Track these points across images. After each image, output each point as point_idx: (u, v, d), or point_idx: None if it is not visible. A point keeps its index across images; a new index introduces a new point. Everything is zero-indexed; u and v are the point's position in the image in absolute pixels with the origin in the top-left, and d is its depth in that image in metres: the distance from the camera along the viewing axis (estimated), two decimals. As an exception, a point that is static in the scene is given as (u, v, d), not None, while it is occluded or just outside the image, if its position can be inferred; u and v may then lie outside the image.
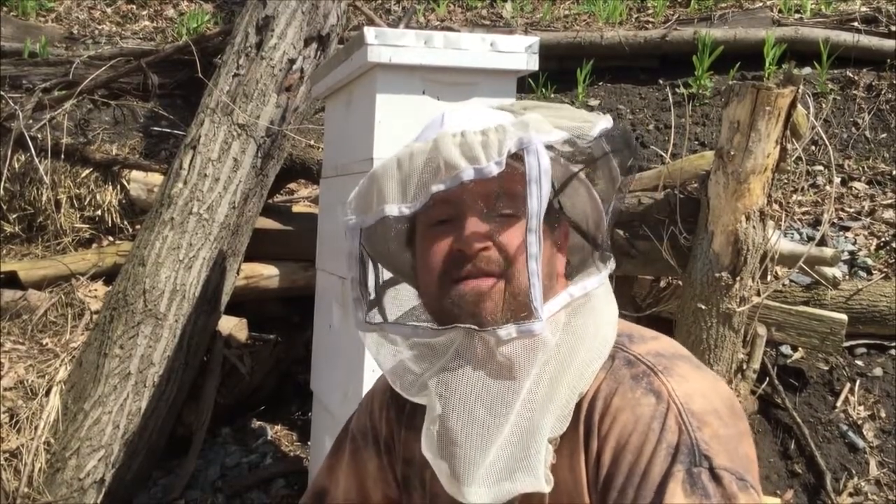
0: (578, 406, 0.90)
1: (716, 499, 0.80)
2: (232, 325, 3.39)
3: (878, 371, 2.78)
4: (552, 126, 0.92)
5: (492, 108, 1.04)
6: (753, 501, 0.82)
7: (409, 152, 0.92)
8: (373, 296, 1.04)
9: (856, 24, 4.22)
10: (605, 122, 0.95)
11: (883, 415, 2.69)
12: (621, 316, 1.01)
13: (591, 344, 0.92)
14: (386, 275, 1.08)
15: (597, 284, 0.96)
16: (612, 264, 1.00)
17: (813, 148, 3.71)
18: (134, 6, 5.49)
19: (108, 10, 5.43)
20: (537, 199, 0.86)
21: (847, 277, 2.98)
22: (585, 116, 0.96)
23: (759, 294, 2.41)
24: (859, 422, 2.67)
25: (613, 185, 1.00)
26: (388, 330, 0.98)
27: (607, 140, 0.96)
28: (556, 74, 4.19)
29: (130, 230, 3.67)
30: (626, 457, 0.84)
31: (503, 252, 0.91)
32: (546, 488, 0.87)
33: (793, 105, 2.24)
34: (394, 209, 0.91)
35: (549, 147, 0.91)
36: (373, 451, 1.14)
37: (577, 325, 0.93)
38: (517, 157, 0.89)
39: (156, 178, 3.61)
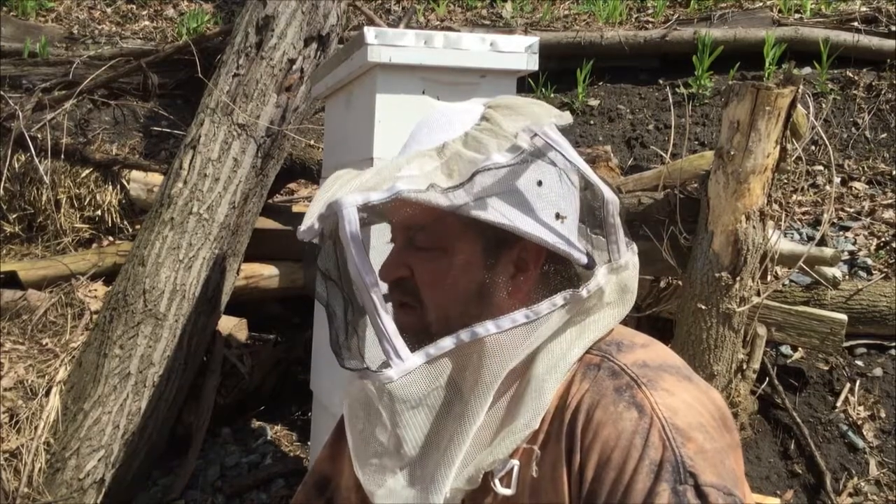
0: (561, 417, 0.88)
1: None
2: (232, 325, 3.39)
3: (878, 371, 2.78)
4: (447, 165, 0.90)
5: (473, 105, 1.02)
6: None
7: (327, 180, 0.98)
8: None
9: (856, 24, 4.22)
10: (499, 156, 0.89)
11: (883, 415, 2.69)
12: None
13: (499, 404, 0.90)
14: None
15: (492, 330, 0.89)
16: (568, 296, 0.91)
17: (813, 148, 3.71)
18: (134, 6, 5.49)
19: (108, 10, 5.43)
20: (352, 265, 0.89)
21: (847, 277, 2.98)
22: (489, 145, 0.90)
23: (759, 294, 2.41)
24: (859, 422, 2.67)
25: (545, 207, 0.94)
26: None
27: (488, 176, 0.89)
28: (556, 74, 4.19)
29: (130, 230, 3.67)
30: (608, 473, 0.82)
31: (414, 285, 0.95)
32: None
33: (793, 105, 2.24)
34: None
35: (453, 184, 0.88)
36: None
37: (467, 375, 0.89)
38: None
39: (156, 178, 3.61)
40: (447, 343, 0.90)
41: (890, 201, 3.45)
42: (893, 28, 4.21)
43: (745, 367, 2.47)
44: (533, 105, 0.99)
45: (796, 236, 3.24)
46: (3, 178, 3.68)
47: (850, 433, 2.65)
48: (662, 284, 2.73)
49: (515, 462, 0.89)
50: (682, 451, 0.81)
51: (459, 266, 0.94)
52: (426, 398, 0.90)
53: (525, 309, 0.90)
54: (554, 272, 0.97)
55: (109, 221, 3.69)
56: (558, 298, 0.91)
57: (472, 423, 0.88)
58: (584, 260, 0.97)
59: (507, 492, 0.89)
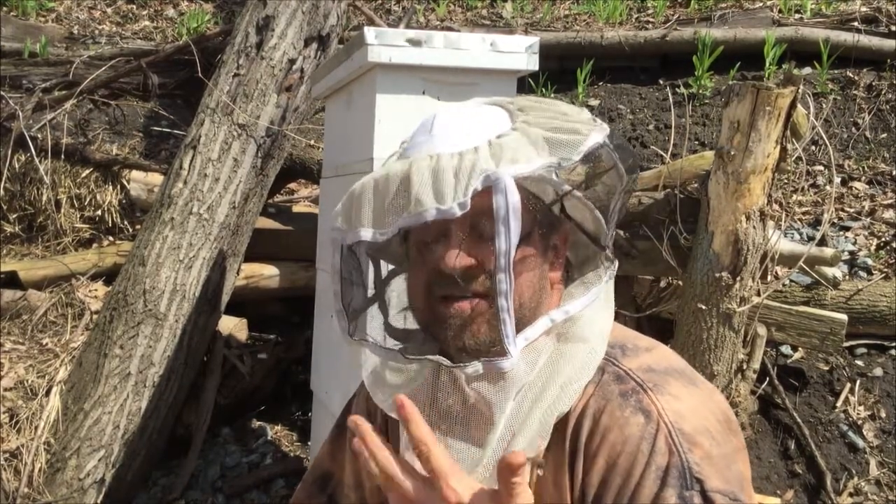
0: (565, 422, 0.88)
1: None
2: (232, 325, 3.39)
3: (878, 371, 2.78)
4: (536, 143, 0.88)
5: (487, 104, 1.00)
6: None
7: (385, 175, 0.91)
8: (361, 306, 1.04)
9: (856, 24, 4.22)
10: (597, 134, 0.90)
11: (883, 415, 2.69)
12: (621, 316, 0.99)
13: (574, 364, 0.88)
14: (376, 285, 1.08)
15: (580, 307, 0.91)
16: (611, 271, 0.96)
17: (813, 148, 3.71)
18: (134, 6, 5.49)
19: (108, 10, 5.43)
20: (505, 239, 0.83)
21: (847, 277, 2.98)
22: (577, 127, 0.90)
23: (759, 294, 2.41)
24: (859, 422, 2.67)
25: (612, 190, 0.96)
26: (365, 347, 0.98)
27: (600, 156, 0.91)
28: (556, 74, 4.19)
29: (130, 230, 3.67)
30: (614, 479, 0.82)
31: (485, 272, 0.89)
32: None
33: (793, 105, 2.24)
34: (368, 234, 0.92)
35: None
36: None
37: (558, 351, 0.89)
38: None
39: (156, 178, 3.61)
40: (540, 326, 0.89)
41: (890, 201, 3.45)
42: (893, 28, 4.21)
43: (745, 367, 2.47)
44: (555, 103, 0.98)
45: (796, 236, 3.24)
46: (4, 178, 3.69)
47: (850, 433, 2.65)
48: (662, 284, 2.73)
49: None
50: (688, 456, 0.81)
51: (530, 252, 0.92)
52: (516, 386, 0.87)
53: (588, 291, 0.93)
54: (578, 247, 1.01)
55: (109, 221, 3.69)
56: (610, 273, 0.95)
57: (547, 395, 0.87)
58: (610, 251, 0.97)
59: (539, 463, 0.88)
